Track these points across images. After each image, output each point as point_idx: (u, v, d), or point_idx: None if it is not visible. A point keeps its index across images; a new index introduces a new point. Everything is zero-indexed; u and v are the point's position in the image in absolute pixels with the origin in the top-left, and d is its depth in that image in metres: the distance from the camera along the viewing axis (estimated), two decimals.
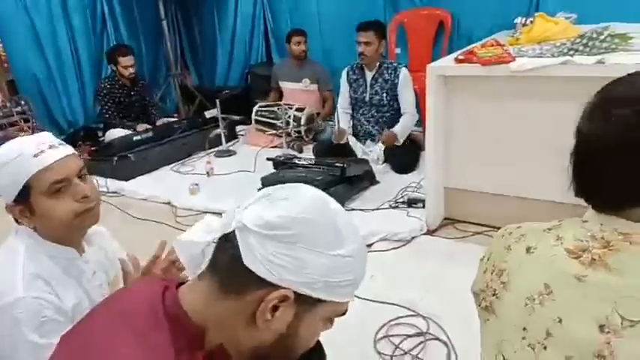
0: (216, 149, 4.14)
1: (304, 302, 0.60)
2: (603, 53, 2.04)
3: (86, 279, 1.10)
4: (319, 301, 0.61)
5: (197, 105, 5.09)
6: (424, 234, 2.54)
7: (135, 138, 3.84)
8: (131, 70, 4.07)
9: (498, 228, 2.78)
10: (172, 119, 4.60)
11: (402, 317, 1.84)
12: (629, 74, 0.71)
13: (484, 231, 2.51)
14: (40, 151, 1.00)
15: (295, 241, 0.59)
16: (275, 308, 0.60)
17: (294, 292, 0.59)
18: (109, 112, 4.16)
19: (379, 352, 1.68)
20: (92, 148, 3.98)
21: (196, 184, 3.28)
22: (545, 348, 0.72)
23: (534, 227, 0.83)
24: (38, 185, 0.99)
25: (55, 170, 1.00)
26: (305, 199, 0.63)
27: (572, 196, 2.20)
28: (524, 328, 0.75)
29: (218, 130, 4.06)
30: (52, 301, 0.99)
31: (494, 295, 0.82)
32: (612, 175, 0.67)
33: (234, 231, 0.60)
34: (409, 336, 1.75)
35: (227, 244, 0.61)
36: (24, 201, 1.01)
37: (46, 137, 1.05)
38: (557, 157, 2.30)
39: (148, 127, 4.13)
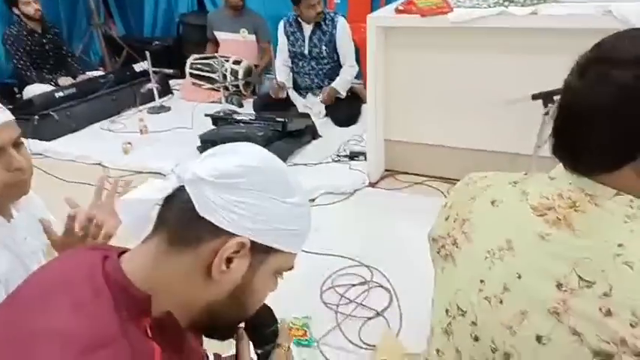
0: (148, 105, 3.92)
1: (258, 252, 0.61)
2: (536, 4, 2.09)
3: (17, 245, 1.04)
4: (272, 250, 0.62)
5: (125, 57, 4.74)
6: (366, 186, 2.58)
7: (57, 94, 3.54)
8: (35, 6, 3.65)
9: (438, 178, 2.87)
10: (98, 73, 4.26)
11: (346, 268, 1.88)
12: (631, 30, 0.66)
13: (424, 181, 2.59)
14: None
15: (251, 188, 0.59)
16: (230, 260, 0.59)
17: (250, 241, 0.59)
18: (22, 63, 3.75)
19: (325, 303, 1.72)
20: (9, 107, 3.61)
21: (129, 143, 3.11)
22: (501, 302, 0.73)
23: (500, 179, 0.82)
24: None
25: None
26: (254, 151, 0.64)
27: (509, 145, 2.28)
28: (482, 281, 0.76)
29: (150, 85, 3.82)
30: None
31: (454, 244, 0.82)
32: (596, 138, 0.65)
33: (181, 187, 0.60)
34: (353, 285, 1.80)
35: (175, 200, 0.60)
36: None
37: None
38: (493, 109, 2.37)
39: (72, 81, 3.81)
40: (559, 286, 0.66)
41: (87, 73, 4.11)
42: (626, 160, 0.65)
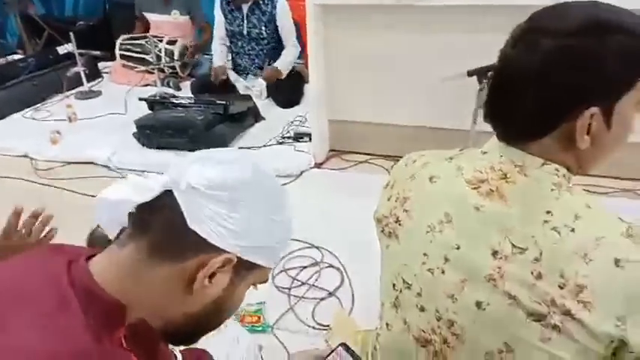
0: (76, 90, 3.67)
1: (242, 267, 0.59)
2: None
3: None
4: (255, 266, 0.60)
5: (46, 39, 4.38)
6: (312, 167, 2.58)
7: None
8: None
9: (382, 156, 2.92)
10: (16, 56, 3.92)
11: (296, 250, 1.88)
12: (563, 3, 0.69)
13: (368, 159, 2.63)
14: None
15: (243, 203, 0.57)
16: (212, 274, 0.56)
17: (237, 257, 0.57)
18: None
19: (277, 287, 1.72)
20: None
21: (58, 132, 2.90)
22: (443, 272, 0.77)
23: (436, 156, 0.84)
24: None
25: None
26: (249, 163, 0.61)
27: (448, 122, 2.35)
28: (425, 254, 0.79)
29: (76, 69, 3.56)
30: None
31: (397, 222, 0.85)
32: (524, 104, 0.68)
33: (167, 192, 0.55)
34: (305, 267, 1.81)
35: (160, 206, 0.55)
36: None
37: None
38: (432, 86, 2.41)
39: None
40: (494, 254, 0.70)
41: (4, 57, 3.78)
42: (551, 127, 0.69)
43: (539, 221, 0.67)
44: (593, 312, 0.64)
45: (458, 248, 0.75)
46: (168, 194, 0.55)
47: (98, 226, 1.16)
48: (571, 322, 0.65)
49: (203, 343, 0.72)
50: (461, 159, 0.80)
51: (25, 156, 2.79)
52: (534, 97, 0.67)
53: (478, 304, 0.73)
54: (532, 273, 0.67)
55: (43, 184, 2.50)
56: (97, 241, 1.06)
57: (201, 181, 0.55)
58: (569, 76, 0.64)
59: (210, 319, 0.62)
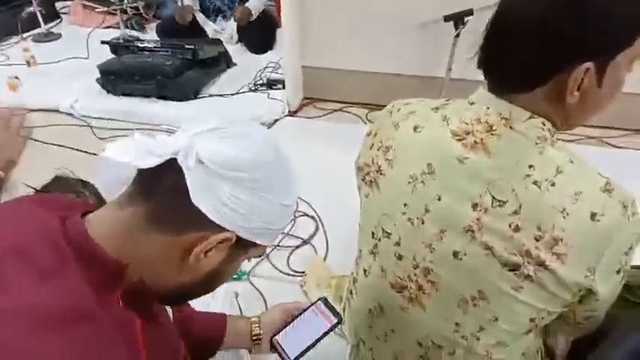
0: (33, 32, 3.44)
1: (240, 245, 0.57)
2: None
3: None
4: (254, 245, 0.59)
5: None
6: (286, 115, 2.53)
7: None
8: None
9: (357, 103, 2.89)
10: None
11: None
12: None
13: (343, 107, 2.60)
14: None
15: (256, 186, 0.54)
16: (209, 249, 0.55)
17: (237, 236, 0.56)
18: None
19: None
20: None
21: (16, 77, 2.73)
22: (422, 222, 0.77)
23: (422, 105, 0.83)
24: None
25: None
26: (265, 141, 0.57)
27: (424, 69, 2.32)
28: (405, 204, 0.79)
29: (31, 9, 3.32)
30: None
31: (378, 171, 0.84)
32: (521, 53, 0.66)
33: (175, 160, 0.51)
34: None
35: (167, 172, 0.52)
36: None
37: None
38: (408, 32, 2.36)
39: None
40: (474, 206, 0.71)
41: None
42: (543, 79, 0.67)
43: (520, 175, 0.68)
44: (566, 263, 0.66)
45: (439, 199, 0.75)
46: (174, 162, 0.52)
47: (49, 184, 1.11)
48: (544, 272, 0.67)
49: None
50: (447, 109, 0.78)
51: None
52: (533, 45, 0.65)
53: (455, 254, 0.74)
54: (510, 225, 0.68)
55: None
56: (55, 189, 1.02)
57: (211, 157, 0.52)
58: (571, 26, 0.62)
59: (202, 288, 0.62)
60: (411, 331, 0.89)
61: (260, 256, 0.67)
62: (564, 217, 0.65)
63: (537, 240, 0.66)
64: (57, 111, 2.57)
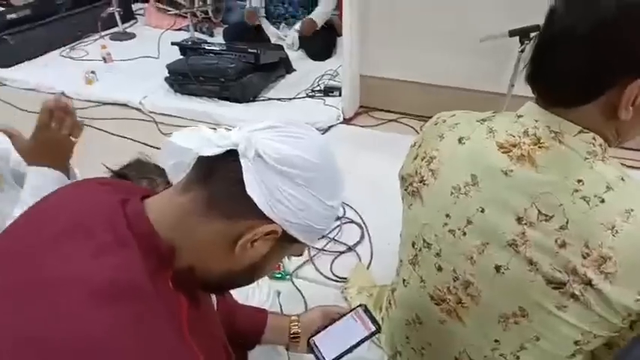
0: (111, 31, 3.69)
1: (284, 240, 0.60)
2: None
3: None
4: (296, 241, 0.62)
5: None
6: (340, 123, 2.56)
7: (9, 16, 3.27)
8: None
9: (412, 115, 2.86)
10: None
11: None
12: None
13: (398, 118, 2.59)
14: None
15: (305, 184, 0.57)
16: (256, 240, 0.58)
17: (283, 230, 0.58)
18: None
19: None
20: None
21: (93, 72, 2.94)
22: (464, 234, 0.77)
23: (468, 116, 0.83)
24: None
25: None
26: (319, 144, 0.61)
27: (485, 84, 2.27)
28: (447, 215, 0.79)
29: (111, 9, 3.57)
30: None
31: (421, 181, 0.85)
32: (572, 67, 0.65)
33: (234, 152, 0.55)
34: None
35: (225, 163, 0.56)
36: None
37: None
38: (470, 45, 2.32)
39: (25, 1, 3.51)
40: (519, 219, 0.70)
41: None
42: (595, 94, 0.66)
43: (569, 189, 0.66)
44: (615, 283, 0.64)
45: (482, 211, 0.74)
46: (232, 153, 0.55)
47: (129, 164, 1.20)
48: (590, 291, 0.65)
49: None
50: (494, 121, 0.78)
51: (62, 94, 2.85)
52: (585, 59, 0.63)
53: (497, 268, 0.73)
54: (556, 241, 0.66)
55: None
56: (131, 175, 1.10)
57: (269, 152, 0.55)
58: (626, 41, 0.61)
59: (244, 277, 0.65)
60: (448, 346, 0.88)
61: (299, 255, 0.69)
62: (614, 235, 0.63)
63: (584, 257, 0.64)
64: (126, 105, 2.74)
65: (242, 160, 0.55)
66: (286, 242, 0.61)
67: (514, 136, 0.72)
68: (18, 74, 3.07)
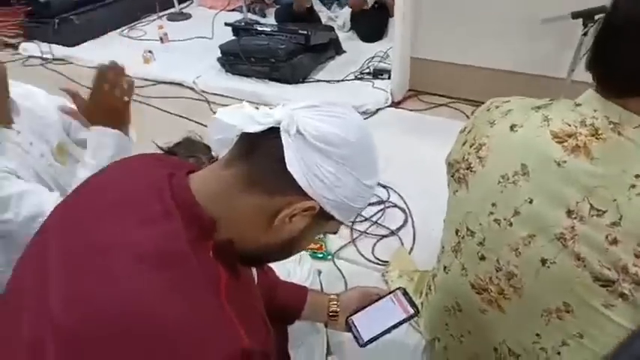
0: (168, 12, 3.79)
1: (321, 216, 0.62)
2: None
3: (22, 151, 1.03)
4: (332, 218, 0.63)
5: None
6: (389, 106, 2.53)
7: None
8: None
9: (463, 100, 2.78)
10: None
11: None
12: None
13: (448, 102, 2.53)
14: None
15: (344, 162, 0.59)
16: (294, 215, 0.60)
17: (320, 207, 0.60)
18: None
19: None
20: (28, 8, 3.55)
21: (150, 52, 3.05)
22: (510, 224, 0.75)
23: (523, 103, 0.80)
24: None
25: None
26: (358, 123, 0.62)
27: (543, 68, 2.16)
28: (494, 204, 0.77)
29: None
30: None
31: (468, 168, 0.83)
32: (632, 54, 0.62)
33: (276, 129, 0.58)
34: (370, 204, 1.84)
35: (267, 140, 0.58)
36: None
37: None
38: (525, 29, 2.23)
39: None
40: (569, 212, 0.68)
41: None
42: None
43: (625, 184, 0.63)
44: None
45: (530, 202, 0.72)
46: (274, 131, 0.57)
47: (179, 143, 1.25)
48: None
49: None
50: (549, 109, 0.74)
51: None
52: None
53: (543, 261, 0.71)
54: (607, 237, 0.64)
55: (134, 101, 2.68)
56: (180, 153, 1.15)
57: (310, 130, 0.57)
58: None
59: (281, 252, 0.67)
60: (487, 335, 0.87)
61: (335, 232, 0.71)
62: None
63: (637, 256, 0.61)
64: (181, 85, 2.83)
65: (283, 137, 0.57)
66: (323, 219, 0.63)
67: (570, 126, 0.69)
68: (82, 53, 3.24)
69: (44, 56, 3.18)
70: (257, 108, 0.60)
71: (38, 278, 0.57)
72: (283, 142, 0.57)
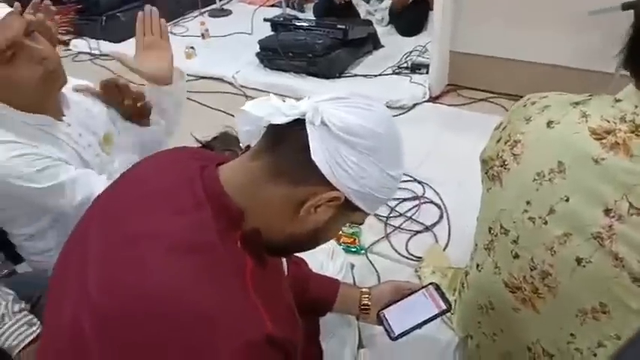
0: (209, 8, 3.87)
1: (346, 207, 0.63)
2: None
3: (72, 142, 1.09)
4: (357, 209, 0.64)
5: None
6: (426, 101, 2.50)
7: None
8: None
9: (505, 94, 2.71)
10: None
11: (399, 182, 1.89)
12: None
13: (488, 97, 2.47)
14: None
15: (368, 152, 0.60)
16: (319, 205, 0.62)
17: (345, 197, 0.61)
18: None
19: (375, 214, 1.77)
20: (78, 6, 3.71)
21: (192, 47, 3.13)
22: (545, 223, 0.74)
23: (561, 99, 0.78)
24: None
25: None
26: (383, 115, 0.63)
27: (589, 62, 2.09)
28: (528, 202, 0.76)
29: None
30: (36, 152, 0.99)
31: (502, 165, 0.82)
32: None
33: (301, 120, 0.59)
34: (405, 199, 1.83)
35: (293, 132, 0.60)
36: None
37: None
38: (571, 21, 2.15)
39: None
40: (607, 211, 0.66)
41: None
42: None
43: None
44: None
45: (567, 200, 0.71)
46: (300, 122, 0.59)
47: (216, 137, 1.29)
48: None
49: None
50: (588, 105, 0.73)
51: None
52: None
53: (579, 261, 0.70)
54: None
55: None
56: (217, 146, 1.20)
57: (334, 121, 0.58)
58: None
59: (307, 242, 0.69)
60: (520, 334, 0.86)
61: (361, 224, 0.72)
62: None
63: None
64: (221, 80, 2.90)
65: (308, 127, 0.59)
66: (348, 209, 0.64)
67: (609, 122, 0.67)
68: (127, 49, 3.34)
69: (92, 52, 3.32)
70: (284, 100, 0.62)
71: (79, 264, 0.62)
72: (308, 133, 0.59)
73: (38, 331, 0.96)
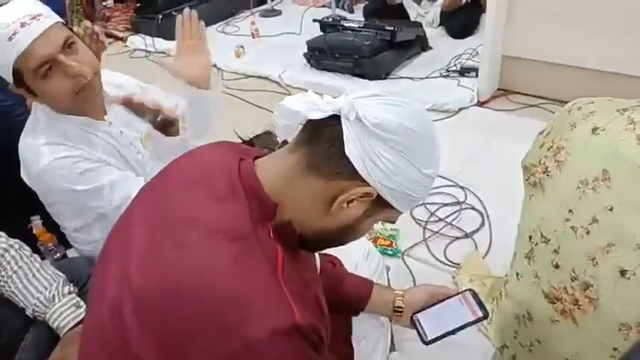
0: (260, 8, 3.95)
1: (378, 204, 0.63)
2: None
3: (113, 140, 1.13)
4: (389, 206, 0.64)
5: None
6: (474, 105, 2.44)
7: None
8: None
9: (556, 100, 2.62)
10: None
11: (440, 187, 1.87)
12: None
13: (539, 103, 2.39)
14: (13, 32, 0.92)
15: (401, 149, 0.60)
16: (351, 201, 0.62)
17: (377, 194, 0.62)
18: None
19: (414, 218, 1.75)
20: (137, 5, 3.89)
21: (242, 46, 3.21)
22: (588, 232, 0.71)
23: (607, 105, 0.76)
24: (25, 71, 0.96)
25: (33, 55, 0.94)
26: (419, 113, 0.64)
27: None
28: (570, 211, 0.74)
29: None
30: (80, 155, 1.04)
31: (545, 172, 0.80)
32: None
33: (337, 116, 0.60)
34: (445, 204, 1.80)
35: (329, 127, 0.61)
36: (22, 84, 0.99)
37: (19, 8, 0.95)
38: (627, 27, 2.06)
39: None
40: None
41: None
42: None
43: None
44: None
45: (611, 210, 0.68)
46: (335, 118, 0.60)
47: (258, 135, 1.33)
48: None
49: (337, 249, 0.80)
50: (637, 112, 0.70)
51: (214, 66, 3.16)
52: None
53: (622, 273, 0.67)
54: None
55: (225, 93, 2.85)
56: (257, 144, 1.23)
57: (369, 117, 0.59)
58: None
59: (338, 237, 0.69)
60: (558, 346, 0.84)
61: (393, 222, 0.71)
62: None
63: None
64: (267, 79, 2.95)
65: (343, 123, 0.60)
66: (380, 206, 0.64)
67: None
68: None
69: (148, 49, 3.47)
70: (322, 96, 0.63)
71: (122, 248, 0.66)
72: (343, 128, 0.59)
73: (84, 313, 1.00)
